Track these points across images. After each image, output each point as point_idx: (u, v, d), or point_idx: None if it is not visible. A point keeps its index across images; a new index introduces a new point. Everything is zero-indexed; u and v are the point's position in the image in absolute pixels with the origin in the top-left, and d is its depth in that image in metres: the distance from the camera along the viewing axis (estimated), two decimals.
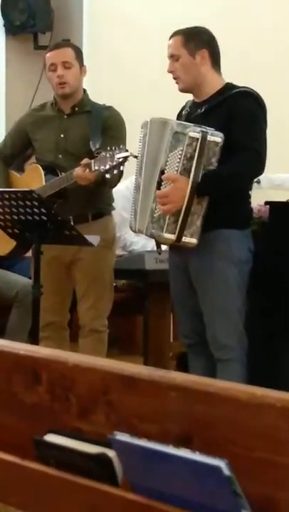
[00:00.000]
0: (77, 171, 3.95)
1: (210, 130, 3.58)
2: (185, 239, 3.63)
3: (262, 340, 4.02)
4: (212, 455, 1.43)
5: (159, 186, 3.64)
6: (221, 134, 3.57)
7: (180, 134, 3.57)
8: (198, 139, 3.54)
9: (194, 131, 3.56)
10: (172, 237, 3.63)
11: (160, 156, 3.63)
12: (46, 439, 1.76)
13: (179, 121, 3.69)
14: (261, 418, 1.54)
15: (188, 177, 3.56)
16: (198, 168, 3.56)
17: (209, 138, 3.56)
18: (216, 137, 3.57)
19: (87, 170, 3.90)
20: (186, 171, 3.58)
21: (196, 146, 3.55)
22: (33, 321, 3.84)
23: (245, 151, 3.61)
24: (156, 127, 3.71)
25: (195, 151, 3.55)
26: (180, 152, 3.56)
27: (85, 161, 3.94)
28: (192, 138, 3.55)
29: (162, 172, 3.62)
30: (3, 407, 1.99)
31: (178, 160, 3.57)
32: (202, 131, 3.56)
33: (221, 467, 1.40)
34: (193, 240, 3.63)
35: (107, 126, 4.20)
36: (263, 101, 3.72)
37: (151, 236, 3.76)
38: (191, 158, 3.56)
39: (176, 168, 3.59)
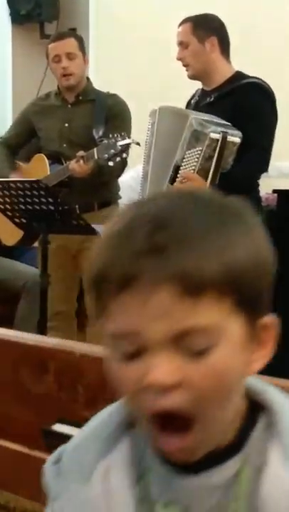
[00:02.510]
0: (72, 164, 3.96)
1: (229, 129, 3.52)
2: None
3: None
4: None
5: (172, 181, 3.61)
6: (239, 134, 3.52)
7: (200, 133, 3.50)
8: (218, 140, 3.49)
9: (215, 132, 3.49)
10: None
11: (175, 150, 3.57)
12: (54, 428, 1.76)
13: (197, 117, 3.60)
14: None
15: (205, 176, 3.52)
16: (217, 170, 3.51)
17: (229, 138, 3.51)
18: (235, 137, 3.51)
19: (81, 162, 3.91)
20: (203, 170, 3.52)
21: (216, 147, 3.49)
22: (40, 311, 3.84)
23: (253, 149, 3.56)
24: (169, 117, 3.68)
25: (214, 151, 3.49)
26: (199, 152, 3.51)
27: (81, 153, 3.95)
28: (213, 139, 3.50)
29: (177, 168, 3.57)
30: (12, 397, 1.99)
31: (196, 159, 3.52)
32: (222, 132, 3.50)
33: None
34: None
35: (111, 115, 4.19)
36: (272, 93, 3.69)
37: None
38: (210, 158, 3.51)
39: (193, 167, 3.54)
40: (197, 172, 3.53)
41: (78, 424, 1.75)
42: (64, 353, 1.87)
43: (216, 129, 3.51)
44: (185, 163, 3.56)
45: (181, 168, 3.56)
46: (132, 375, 0.89)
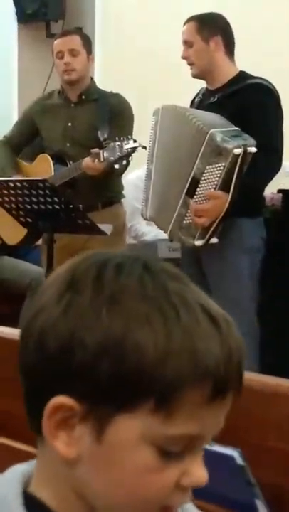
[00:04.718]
0: (86, 161, 3.94)
1: (246, 140, 3.46)
2: (211, 240, 3.61)
3: (274, 329, 4.01)
4: (225, 444, 1.43)
5: (191, 195, 3.56)
6: (254, 142, 3.46)
7: (223, 150, 3.42)
8: (240, 154, 3.42)
9: (238, 148, 3.41)
10: (201, 242, 3.60)
11: (190, 160, 3.51)
12: None
13: (218, 131, 3.48)
14: (274, 407, 1.53)
15: (226, 190, 3.46)
16: (237, 183, 3.47)
17: (248, 150, 3.44)
18: (252, 147, 3.44)
19: (96, 160, 3.90)
20: (224, 183, 3.48)
21: (238, 161, 3.42)
22: None
23: (264, 151, 3.50)
24: (174, 119, 3.65)
25: (235, 165, 3.43)
26: (221, 168, 3.45)
27: (95, 150, 3.93)
28: (235, 155, 3.41)
29: (197, 181, 3.52)
30: (14, 396, 1.98)
31: (218, 175, 3.46)
32: (243, 146, 3.43)
33: (234, 456, 1.40)
34: (216, 239, 3.61)
35: (114, 114, 4.18)
36: (275, 92, 3.67)
37: (179, 241, 3.72)
38: (230, 172, 3.44)
39: (215, 183, 3.48)
40: (218, 187, 3.50)
41: None
42: None
43: (239, 144, 3.43)
44: (206, 177, 3.49)
45: (201, 182, 3.51)
46: (170, 475, 0.84)
